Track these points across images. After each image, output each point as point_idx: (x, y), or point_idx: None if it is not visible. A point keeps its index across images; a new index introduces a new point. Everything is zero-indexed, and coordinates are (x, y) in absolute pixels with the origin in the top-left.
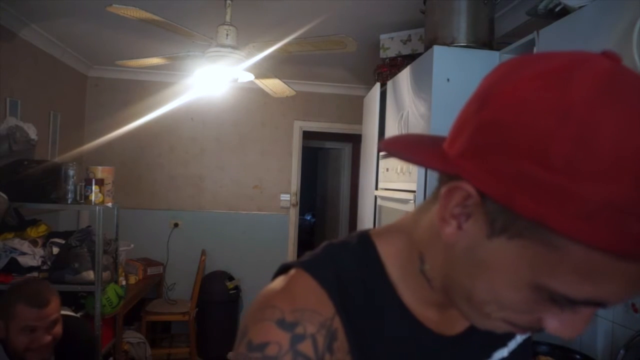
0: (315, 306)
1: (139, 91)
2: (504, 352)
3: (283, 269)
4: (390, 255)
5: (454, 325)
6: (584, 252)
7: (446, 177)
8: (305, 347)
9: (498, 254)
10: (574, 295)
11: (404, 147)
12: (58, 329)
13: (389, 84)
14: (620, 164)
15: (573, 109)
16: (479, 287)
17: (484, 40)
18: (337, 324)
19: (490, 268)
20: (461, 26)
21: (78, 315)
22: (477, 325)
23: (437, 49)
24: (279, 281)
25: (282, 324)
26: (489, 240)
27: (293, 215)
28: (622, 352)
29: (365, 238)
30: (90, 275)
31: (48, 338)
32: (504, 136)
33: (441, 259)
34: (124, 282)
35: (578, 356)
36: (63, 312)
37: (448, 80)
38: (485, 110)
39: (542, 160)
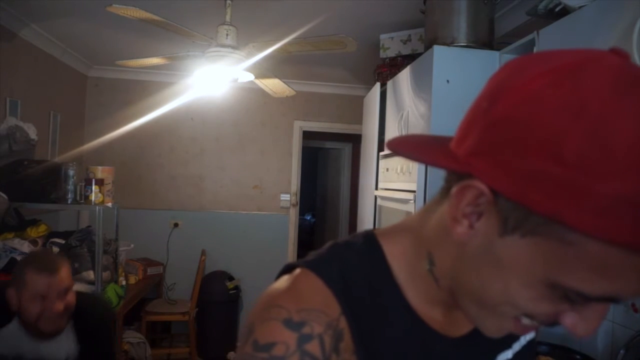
0: (321, 306)
1: (139, 91)
2: (509, 354)
3: (287, 269)
4: (395, 255)
5: (459, 326)
6: (600, 247)
7: (455, 176)
8: (313, 347)
9: (511, 252)
10: (588, 291)
11: (412, 148)
12: (71, 297)
13: (389, 84)
14: (635, 159)
15: (587, 105)
16: (492, 287)
17: (484, 40)
18: (343, 324)
19: (503, 267)
20: (461, 26)
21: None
22: (482, 328)
23: (437, 49)
24: (284, 281)
25: (289, 323)
26: (501, 239)
27: (293, 215)
28: (622, 352)
29: (371, 238)
30: (90, 275)
31: (60, 306)
32: (516, 133)
33: (451, 259)
34: (124, 282)
35: (578, 356)
36: (77, 289)
37: (448, 81)
38: (496, 107)
39: (555, 156)
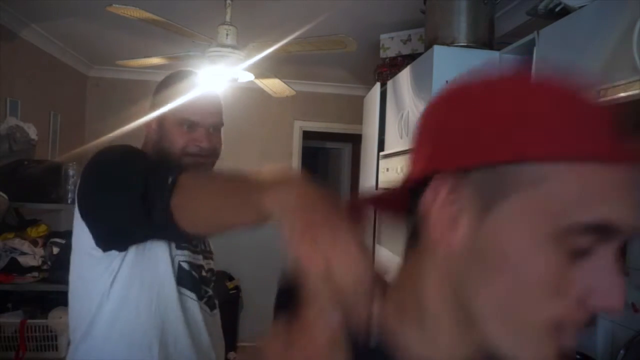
0: None
1: (139, 91)
2: None
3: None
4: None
5: None
6: (570, 172)
7: (422, 224)
8: None
9: (502, 229)
10: (581, 219)
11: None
12: (220, 140)
13: (389, 84)
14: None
15: (501, 90)
16: (501, 280)
17: (484, 40)
18: None
19: (502, 248)
20: (461, 26)
21: None
22: (516, 352)
23: (437, 49)
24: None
25: None
26: (487, 223)
27: None
28: (622, 352)
29: None
30: None
31: (207, 142)
32: (442, 124)
33: (444, 288)
34: None
35: (578, 356)
36: None
37: (447, 82)
38: (417, 125)
39: (488, 115)
